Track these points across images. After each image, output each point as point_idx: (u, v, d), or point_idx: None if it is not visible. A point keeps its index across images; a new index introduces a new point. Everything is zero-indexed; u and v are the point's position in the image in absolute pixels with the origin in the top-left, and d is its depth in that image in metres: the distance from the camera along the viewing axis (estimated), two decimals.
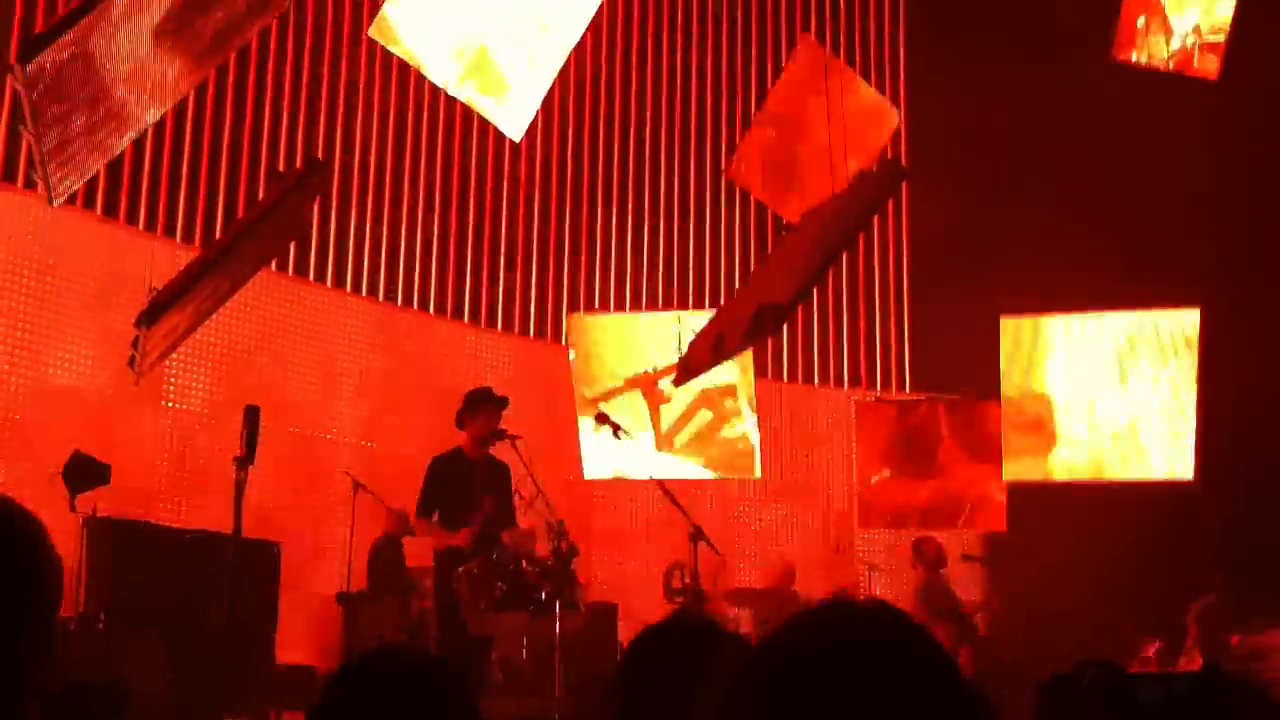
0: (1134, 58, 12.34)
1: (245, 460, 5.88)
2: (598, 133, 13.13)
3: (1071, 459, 12.91)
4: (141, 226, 10.39)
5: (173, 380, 10.43)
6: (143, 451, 10.16)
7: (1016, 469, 12.87)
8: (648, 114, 13.54)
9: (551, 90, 11.38)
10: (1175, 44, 12.36)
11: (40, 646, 1.55)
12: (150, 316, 8.71)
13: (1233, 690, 2.82)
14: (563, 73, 11.27)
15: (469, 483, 7.61)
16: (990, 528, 13.43)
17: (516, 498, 7.93)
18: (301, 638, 10.54)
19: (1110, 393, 12.74)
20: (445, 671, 2.17)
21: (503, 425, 7.84)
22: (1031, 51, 12.52)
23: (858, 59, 14.02)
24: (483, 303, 12.68)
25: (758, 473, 12.90)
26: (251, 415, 5.96)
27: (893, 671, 1.20)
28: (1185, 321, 12.45)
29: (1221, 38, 12.06)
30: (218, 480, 10.10)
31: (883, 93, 13.28)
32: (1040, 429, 12.91)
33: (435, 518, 7.87)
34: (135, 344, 9.01)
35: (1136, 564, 11.76)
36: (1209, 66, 12.13)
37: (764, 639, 1.29)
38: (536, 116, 11.55)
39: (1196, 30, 12.31)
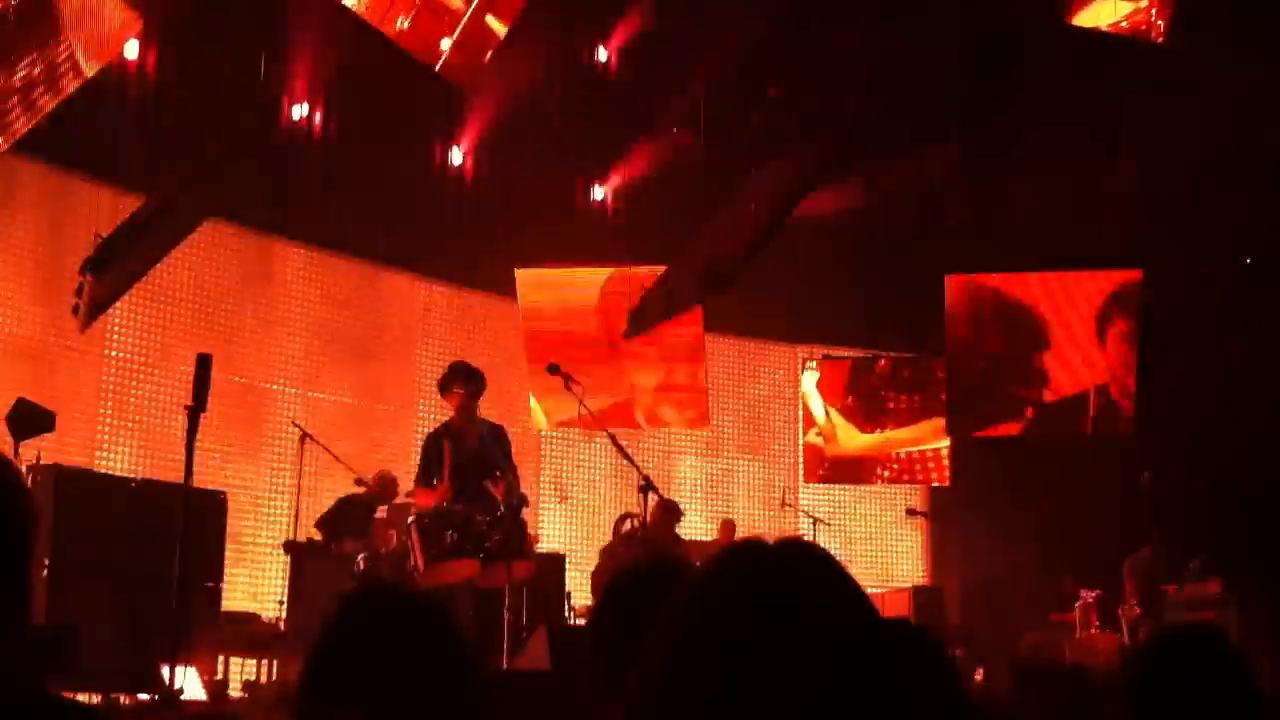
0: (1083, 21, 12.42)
1: (196, 408, 5.83)
2: (548, 85, 13.04)
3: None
4: (88, 173, 10.23)
5: (116, 328, 10.33)
6: (86, 399, 10.07)
7: (963, 425, 13.04)
8: (595, 67, 13.47)
9: (501, 40, 11.32)
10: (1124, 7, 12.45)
11: (16, 592, 1.56)
12: (96, 264, 8.64)
13: None
14: (512, 21, 11.22)
15: (458, 453, 7.66)
16: (934, 482, 13.62)
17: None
18: (245, 586, 10.55)
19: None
20: (436, 606, 2.20)
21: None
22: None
23: None
24: (432, 255, 12.62)
25: (706, 421, 13.02)
26: (203, 364, 5.92)
27: (813, 595, 1.26)
28: None
29: None
30: (161, 429, 10.07)
31: None
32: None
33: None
34: (79, 292, 8.93)
35: (1076, 517, 11.98)
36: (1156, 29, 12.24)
37: (697, 573, 1.36)
38: (486, 67, 11.49)
39: None
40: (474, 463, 7.66)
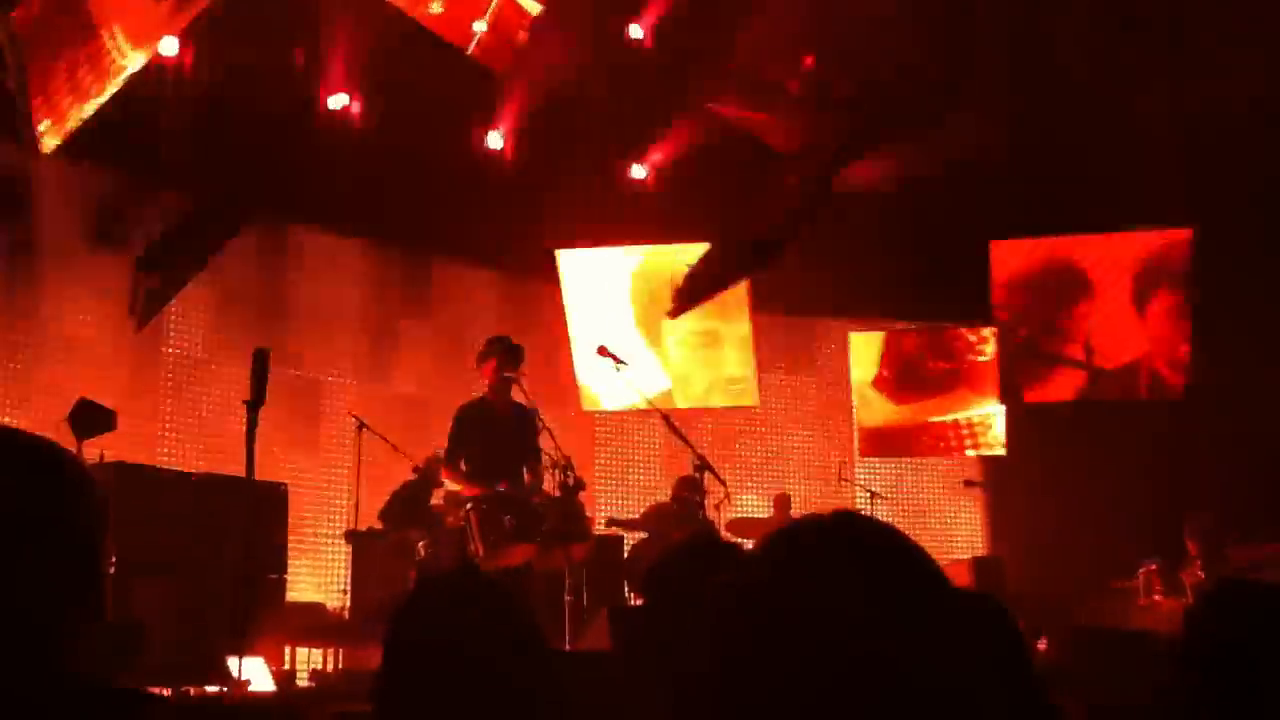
0: None
1: (255, 403, 5.90)
2: (584, 63, 13.01)
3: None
4: (136, 173, 10.33)
5: (173, 325, 10.45)
6: (146, 397, 10.20)
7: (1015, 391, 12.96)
8: (630, 44, 13.43)
9: (534, 19, 11.31)
10: None
11: (94, 591, 1.60)
12: (150, 262, 8.76)
13: None
14: (551, 11, 11.22)
15: (491, 429, 7.66)
16: (989, 452, 13.54)
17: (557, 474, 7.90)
18: (308, 576, 10.66)
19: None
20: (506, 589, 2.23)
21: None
22: None
23: None
24: (474, 240, 12.65)
25: (755, 399, 13.00)
26: (260, 358, 5.98)
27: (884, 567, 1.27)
28: None
29: None
30: (220, 424, 10.18)
31: None
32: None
33: (463, 465, 7.89)
34: (135, 290, 9.07)
35: (1134, 482, 11.88)
36: None
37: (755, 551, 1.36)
38: (519, 48, 11.48)
39: None
40: (504, 441, 7.66)
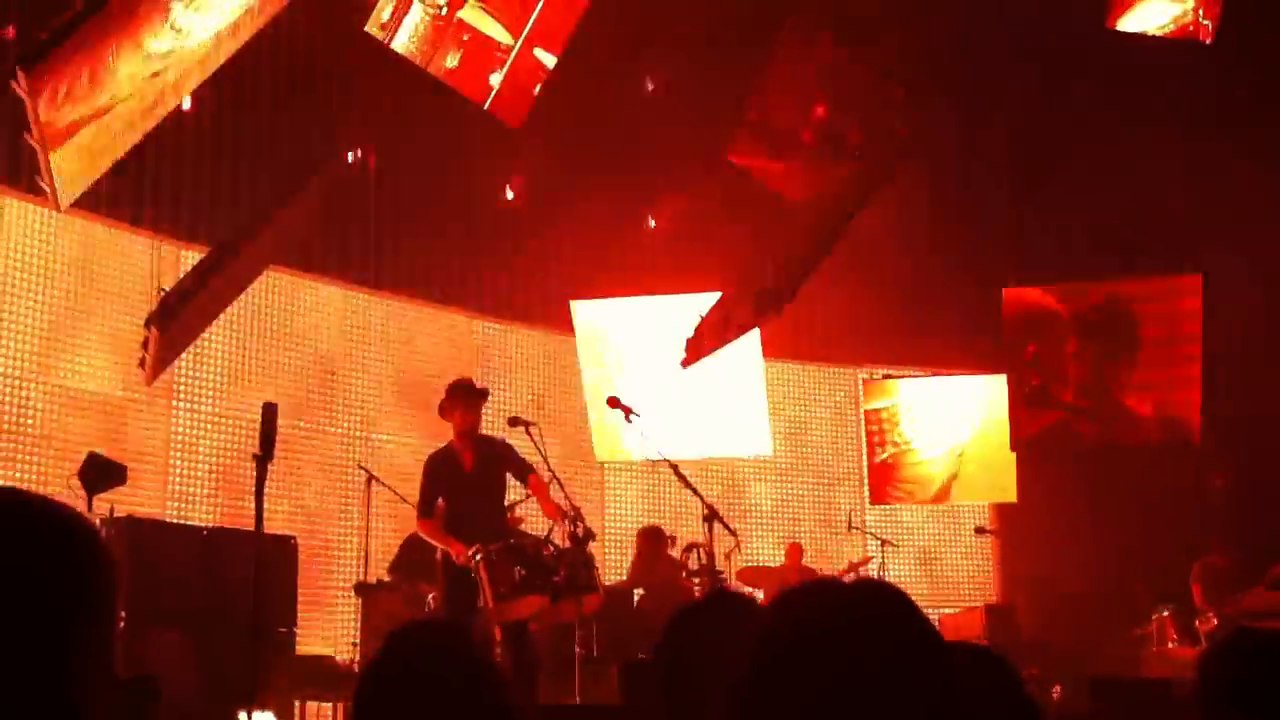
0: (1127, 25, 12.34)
1: (264, 458, 5.89)
2: (596, 116, 13.11)
3: None
4: (148, 227, 10.41)
5: (183, 380, 10.48)
6: (156, 451, 10.22)
7: (1025, 439, 12.93)
8: (647, 94, 13.54)
9: (550, 74, 11.40)
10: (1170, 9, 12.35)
11: (100, 650, 1.59)
12: (160, 317, 8.79)
13: None
14: (561, 52, 11.32)
15: (459, 476, 7.63)
16: (1002, 500, 13.51)
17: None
18: (318, 629, 10.63)
19: None
20: (468, 641, 2.25)
21: (518, 413, 7.86)
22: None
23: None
24: (486, 292, 12.72)
25: (769, 449, 13.02)
26: (269, 412, 5.98)
27: (877, 641, 1.29)
28: None
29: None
30: (230, 478, 10.19)
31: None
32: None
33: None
34: (145, 345, 9.09)
35: (1149, 528, 11.83)
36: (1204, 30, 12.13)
37: (767, 616, 1.38)
38: (537, 99, 11.56)
39: None
40: (476, 487, 7.64)
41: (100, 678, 1.58)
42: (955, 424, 13.56)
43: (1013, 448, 13.02)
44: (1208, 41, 12.03)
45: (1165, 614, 10.32)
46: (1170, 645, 10.06)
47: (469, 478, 7.63)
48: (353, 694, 2.20)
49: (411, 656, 2.23)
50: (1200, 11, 12.08)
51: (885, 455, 13.65)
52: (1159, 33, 12.39)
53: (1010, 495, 13.29)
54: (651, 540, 10.53)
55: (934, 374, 13.81)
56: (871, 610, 1.34)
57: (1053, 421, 12.93)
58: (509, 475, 7.82)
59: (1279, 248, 12.31)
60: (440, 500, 7.66)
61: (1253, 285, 12.19)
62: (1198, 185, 12.35)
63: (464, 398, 7.72)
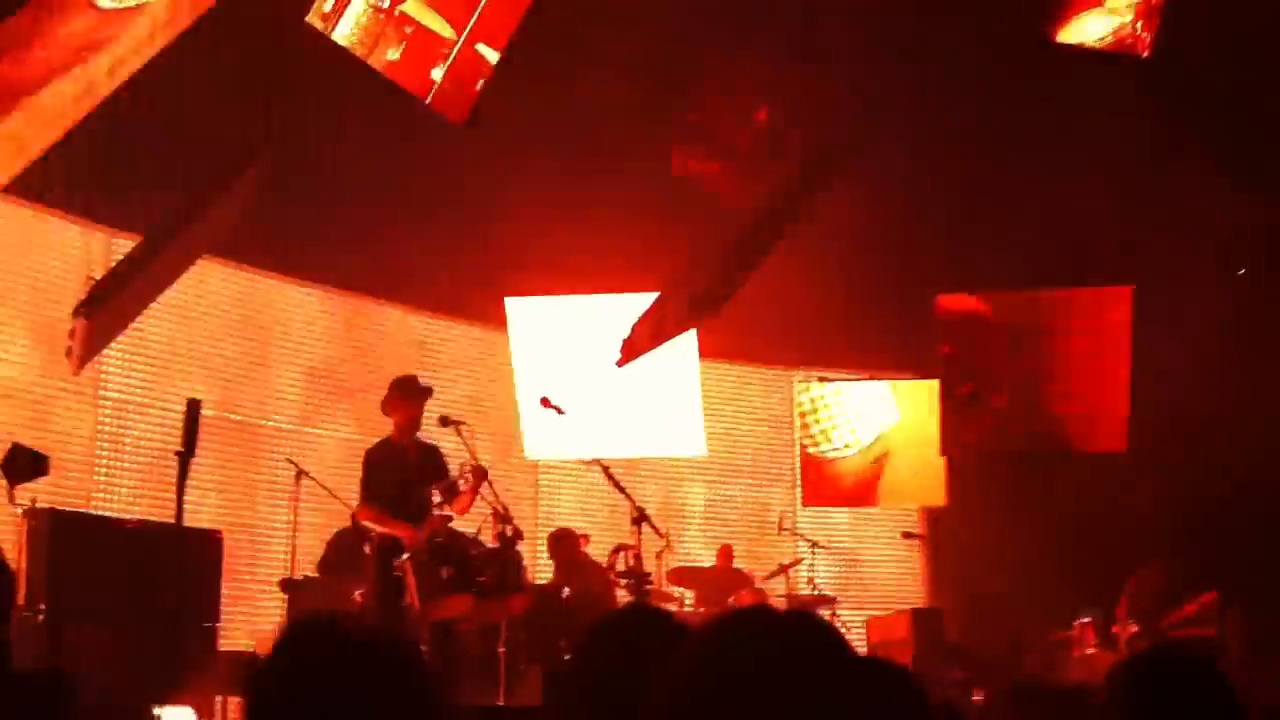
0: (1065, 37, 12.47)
1: (186, 454, 5.87)
2: (536, 114, 13.08)
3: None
4: (79, 214, 10.26)
5: (111, 370, 10.34)
6: (82, 442, 10.09)
7: (954, 443, 13.06)
8: (589, 93, 13.52)
9: (493, 70, 11.35)
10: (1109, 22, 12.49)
11: None
12: (89, 306, 8.68)
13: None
14: (506, 53, 11.27)
15: (403, 470, 7.64)
16: (930, 503, 13.63)
17: (461, 481, 7.92)
18: (243, 624, 10.54)
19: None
20: (392, 639, 2.11)
21: (447, 411, 7.87)
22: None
23: None
24: (422, 286, 12.64)
25: (701, 448, 13.05)
26: (192, 409, 5.95)
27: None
28: None
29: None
30: (158, 470, 10.08)
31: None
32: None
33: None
34: (72, 334, 8.97)
35: (1076, 535, 11.99)
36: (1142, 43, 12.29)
37: (692, 643, 1.41)
38: (477, 96, 11.50)
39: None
40: (416, 482, 7.67)
41: None
42: (874, 425, 13.66)
43: (943, 452, 13.14)
44: (1144, 54, 12.19)
45: (1087, 620, 10.49)
46: (1090, 650, 10.22)
47: (408, 471, 7.65)
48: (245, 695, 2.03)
49: (312, 657, 2.02)
50: (1139, 25, 12.24)
51: (815, 450, 13.71)
52: (1098, 45, 12.55)
53: (939, 499, 13.42)
54: (564, 544, 10.47)
55: (869, 378, 13.89)
56: (797, 654, 1.37)
57: (984, 428, 13.07)
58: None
59: (1210, 259, 12.54)
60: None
61: (1185, 296, 12.37)
62: (1131, 196, 12.52)
63: (408, 394, 7.76)
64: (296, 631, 2.12)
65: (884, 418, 13.62)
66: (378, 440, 7.92)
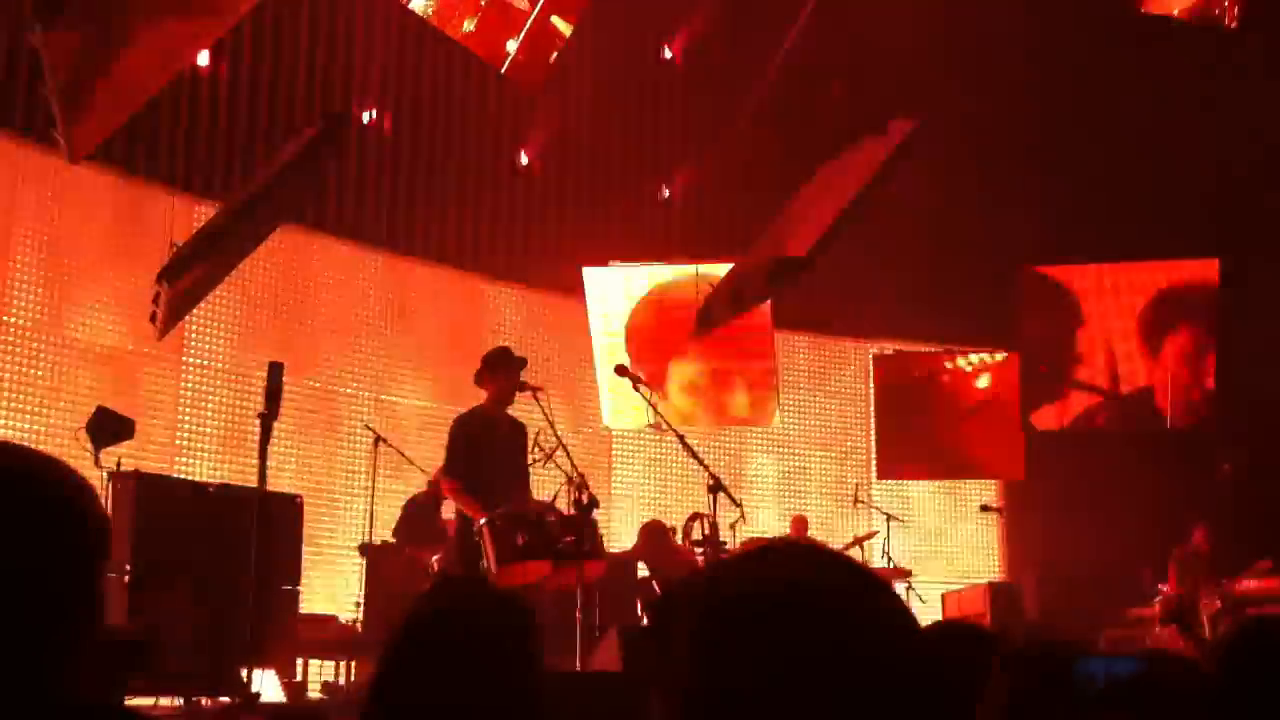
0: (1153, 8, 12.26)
1: (269, 416, 5.91)
2: (615, 85, 13.04)
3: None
4: (162, 181, 10.40)
5: (193, 335, 10.49)
6: (165, 406, 10.24)
7: (1036, 418, 12.92)
8: (664, 62, 13.47)
9: (566, 42, 11.35)
10: None
11: (88, 604, 1.58)
12: (172, 272, 8.77)
13: (1174, 672, 2.84)
14: (584, 25, 11.26)
15: (492, 442, 7.61)
16: (1009, 477, 13.49)
17: (537, 450, 7.91)
18: (322, 588, 10.66)
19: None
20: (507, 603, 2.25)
21: (526, 379, 7.83)
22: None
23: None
24: (500, 256, 12.69)
25: (772, 419, 13.00)
26: (275, 371, 5.99)
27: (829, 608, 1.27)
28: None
29: None
30: (239, 435, 10.21)
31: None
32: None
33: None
34: (156, 300, 9.07)
35: (1155, 510, 11.80)
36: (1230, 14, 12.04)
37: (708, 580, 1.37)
38: (551, 68, 11.51)
39: None
40: (506, 455, 7.64)
41: (80, 632, 1.57)
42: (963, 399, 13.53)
43: (1024, 427, 13.00)
44: (1232, 26, 11.94)
45: (1169, 594, 10.35)
46: (1173, 626, 10.08)
47: (500, 443, 7.62)
48: (383, 647, 2.19)
49: (449, 620, 2.23)
50: None
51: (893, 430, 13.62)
52: (1185, 16, 12.32)
53: (1018, 473, 13.27)
54: (655, 537, 10.38)
55: (946, 350, 13.75)
56: (828, 580, 1.32)
57: (1065, 404, 12.91)
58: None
59: None
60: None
61: (1271, 275, 12.12)
62: (1223, 170, 12.29)
63: (503, 365, 7.72)
64: (445, 587, 2.35)
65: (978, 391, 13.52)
66: (466, 410, 7.91)
